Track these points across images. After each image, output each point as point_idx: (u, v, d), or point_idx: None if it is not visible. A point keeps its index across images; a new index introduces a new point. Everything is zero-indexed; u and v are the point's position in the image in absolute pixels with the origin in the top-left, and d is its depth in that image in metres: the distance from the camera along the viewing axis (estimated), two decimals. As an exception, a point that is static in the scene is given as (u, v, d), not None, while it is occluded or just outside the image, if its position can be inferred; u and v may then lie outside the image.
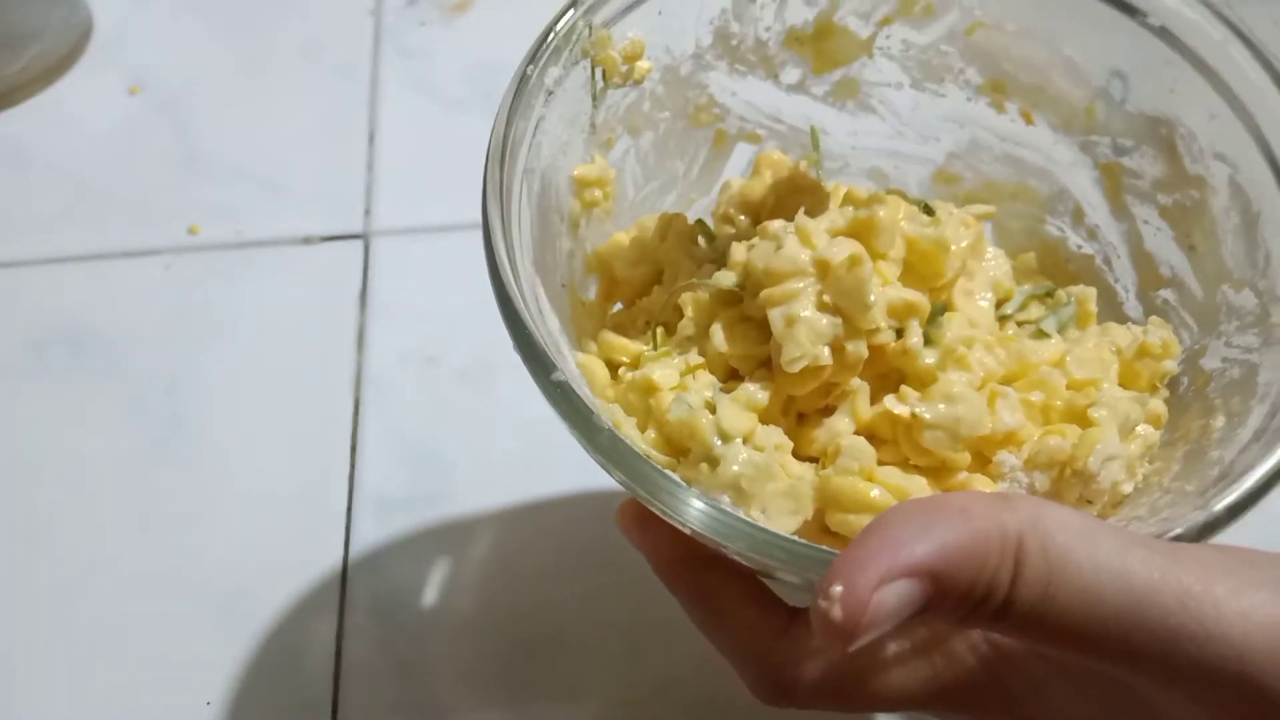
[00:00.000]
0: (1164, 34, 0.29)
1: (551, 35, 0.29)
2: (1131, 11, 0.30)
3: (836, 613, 0.19)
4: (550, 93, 0.29)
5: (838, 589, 0.19)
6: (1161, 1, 0.29)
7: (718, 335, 0.29)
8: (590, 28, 0.30)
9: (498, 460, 0.46)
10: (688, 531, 0.24)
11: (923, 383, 0.29)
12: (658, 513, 0.24)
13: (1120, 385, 0.30)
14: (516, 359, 0.49)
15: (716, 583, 0.27)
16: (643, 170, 0.35)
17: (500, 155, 0.28)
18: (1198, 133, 0.30)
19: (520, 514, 0.45)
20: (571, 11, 0.30)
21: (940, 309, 0.30)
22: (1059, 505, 0.21)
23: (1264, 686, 0.19)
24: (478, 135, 0.67)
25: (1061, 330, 0.32)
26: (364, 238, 0.56)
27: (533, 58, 0.29)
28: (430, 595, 0.42)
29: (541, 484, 0.45)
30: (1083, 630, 0.20)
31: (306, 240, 0.56)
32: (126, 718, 0.39)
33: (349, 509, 0.45)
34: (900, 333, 0.29)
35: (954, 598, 0.20)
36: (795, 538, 0.24)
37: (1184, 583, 0.19)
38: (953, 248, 0.29)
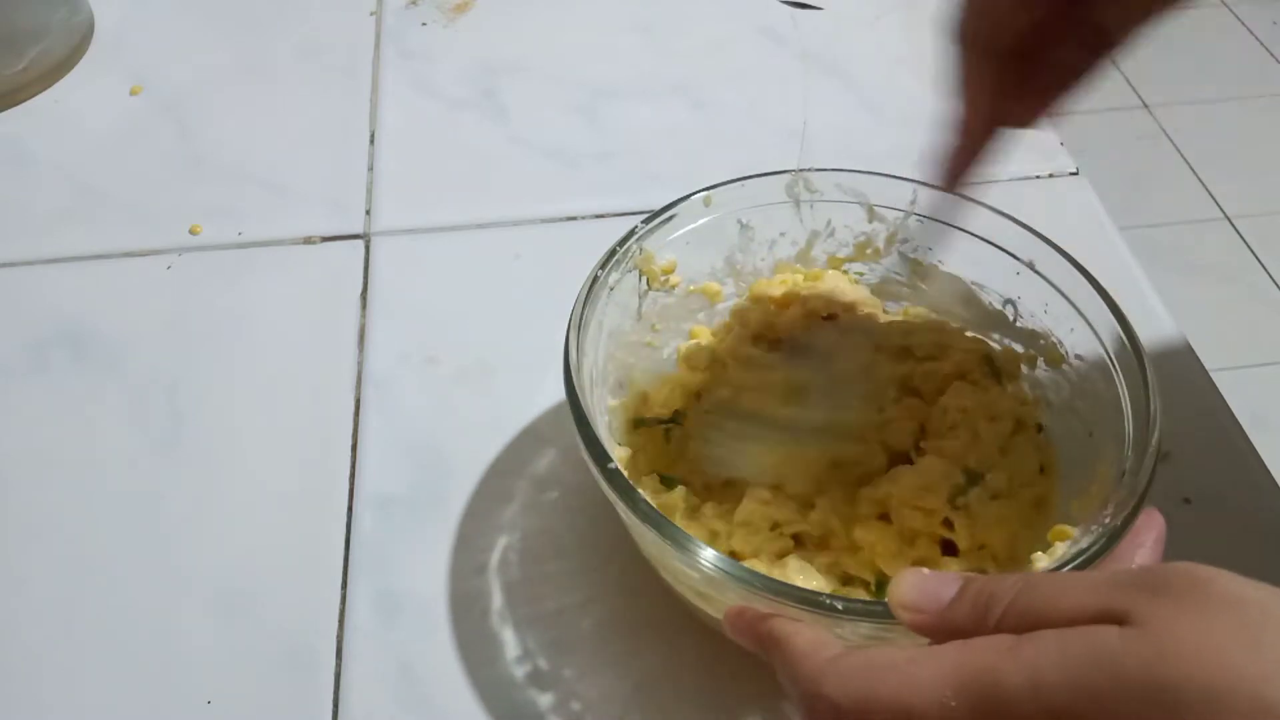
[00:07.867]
0: (1035, 269, 0.41)
1: (616, 252, 0.41)
2: (1015, 258, 0.42)
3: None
4: (611, 289, 0.41)
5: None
6: (1034, 249, 0.41)
7: None
8: (640, 249, 0.42)
9: (498, 460, 0.46)
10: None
11: None
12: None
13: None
14: (516, 359, 0.50)
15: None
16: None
17: (578, 325, 0.39)
18: (1064, 340, 0.42)
19: (519, 513, 0.45)
20: (629, 238, 0.42)
21: None
22: None
23: None
24: (478, 135, 0.67)
25: None
26: (365, 238, 0.56)
27: (602, 265, 0.41)
28: (431, 595, 0.42)
29: (541, 483, 0.46)
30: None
31: (308, 240, 0.56)
32: (127, 717, 0.39)
33: (349, 508, 0.45)
34: None
35: (974, 588, 0.28)
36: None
37: None
38: None
